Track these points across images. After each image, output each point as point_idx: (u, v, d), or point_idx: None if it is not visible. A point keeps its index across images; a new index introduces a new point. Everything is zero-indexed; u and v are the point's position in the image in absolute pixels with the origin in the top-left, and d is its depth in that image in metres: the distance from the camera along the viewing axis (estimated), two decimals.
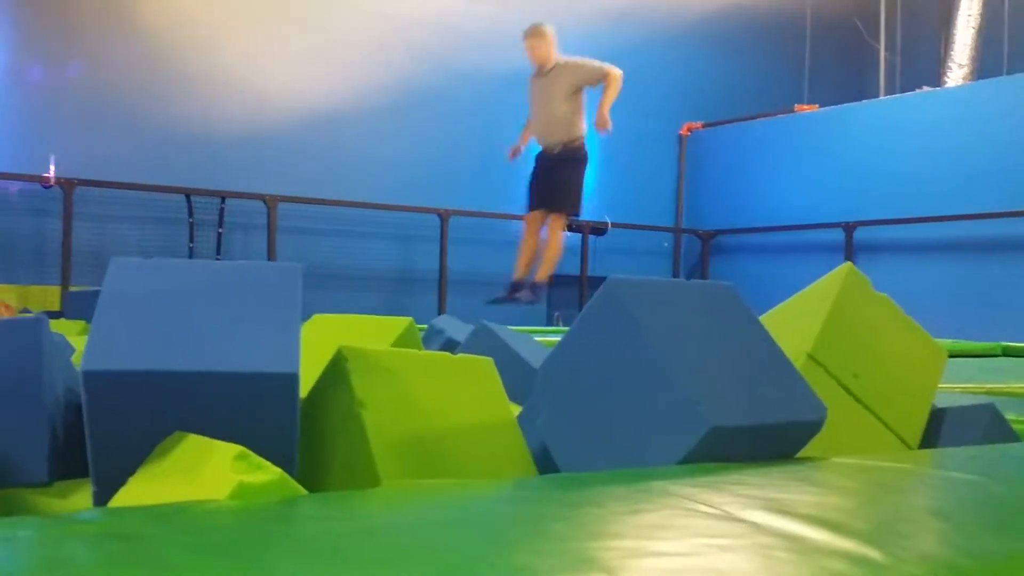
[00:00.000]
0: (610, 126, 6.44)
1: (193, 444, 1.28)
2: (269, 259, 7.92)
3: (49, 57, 7.79)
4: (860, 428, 1.82)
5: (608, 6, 10.49)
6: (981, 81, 10.15)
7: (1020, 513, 1.13)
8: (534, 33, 6.71)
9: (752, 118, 10.93)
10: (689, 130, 11.39)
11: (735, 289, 1.71)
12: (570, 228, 9.94)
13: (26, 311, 5.38)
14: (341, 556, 0.89)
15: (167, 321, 1.38)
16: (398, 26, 9.23)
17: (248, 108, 8.45)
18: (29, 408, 1.50)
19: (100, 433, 1.31)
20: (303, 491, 1.19)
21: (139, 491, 1.25)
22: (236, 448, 1.19)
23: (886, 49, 11.53)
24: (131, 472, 1.29)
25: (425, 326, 3.43)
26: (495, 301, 6.93)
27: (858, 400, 1.85)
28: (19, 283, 7.57)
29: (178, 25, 8.29)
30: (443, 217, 9.10)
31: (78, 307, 5.27)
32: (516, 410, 1.83)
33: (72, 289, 6.87)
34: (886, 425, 1.87)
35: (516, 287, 6.90)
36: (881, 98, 10.61)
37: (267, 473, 1.17)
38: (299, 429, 1.39)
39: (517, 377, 2.10)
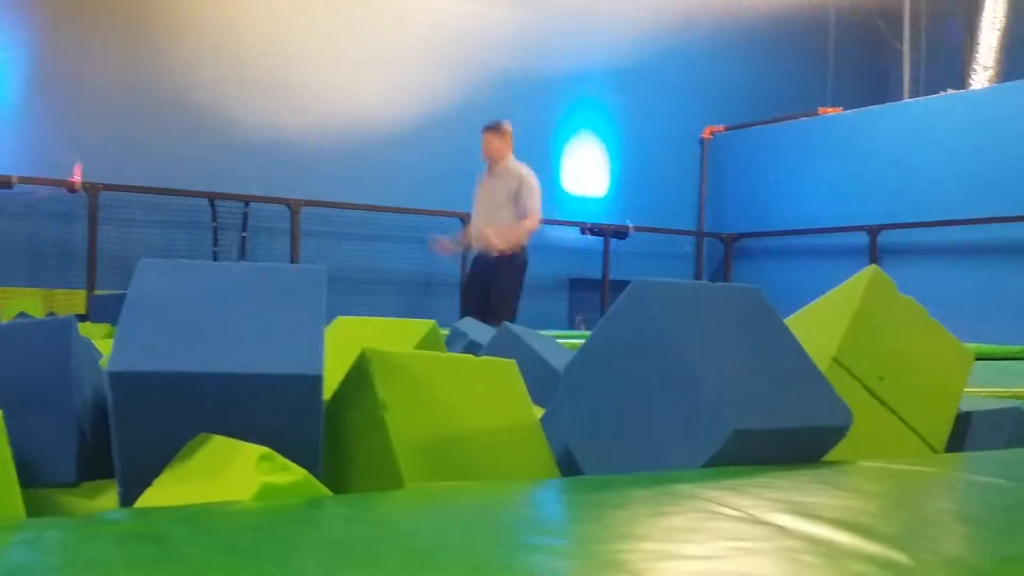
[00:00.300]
0: (494, 244, 6.18)
1: (218, 445, 1.28)
2: (292, 263, 7.96)
3: (75, 64, 7.87)
4: (885, 431, 1.81)
5: (631, 11, 10.48)
6: (1006, 83, 10.06)
7: None
8: (492, 128, 6.59)
9: (775, 121, 10.89)
10: (711, 133, 11.36)
11: (760, 292, 1.70)
12: (592, 232, 9.93)
13: (52, 315, 5.43)
14: (365, 557, 0.89)
15: (193, 322, 1.39)
16: (421, 32, 9.26)
17: (272, 114, 8.50)
18: (57, 409, 1.51)
19: (126, 434, 1.32)
20: (327, 492, 1.20)
21: (165, 492, 1.26)
22: (261, 449, 1.20)
23: (910, 51, 11.45)
24: (157, 473, 1.30)
25: (447, 330, 3.43)
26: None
27: (883, 403, 1.83)
28: (45, 287, 7.64)
29: (203, 33, 8.35)
30: (464, 220, 9.12)
31: (103, 310, 5.32)
32: (539, 412, 1.83)
33: (97, 293, 6.93)
34: (912, 428, 1.86)
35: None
36: (905, 100, 10.53)
37: (292, 474, 1.17)
38: (323, 430, 1.39)
39: (540, 379, 2.10)
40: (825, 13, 11.49)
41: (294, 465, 1.19)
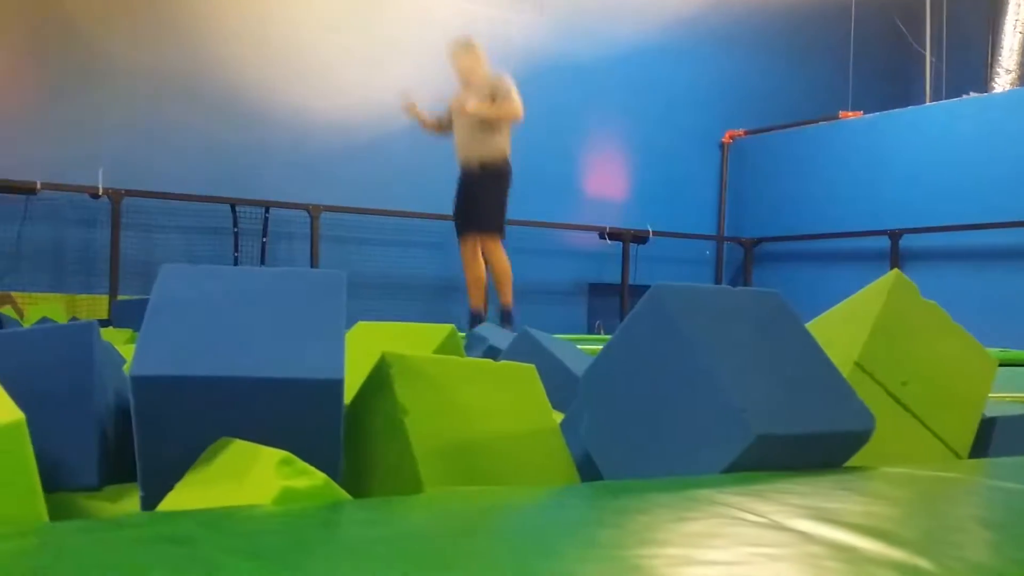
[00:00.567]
0: (468, 107, 6.11)
1: (239, 449, 1.29)
2: (312, 267, 7.99)
3: (98, 71, 7.94)
4: (908, 437, 1.80)
5: (651, 14, 10.47)
6: None
7: None
8: (459, 45, 6.52)
9: (795, 125, 10.84)
10: (731, 137, 11.33)
11: (781, 296, 1.69)
12: (611, 236, 9.92)
13: (74, 319, 5.48)
14: (385, 561, 0.89)
15: (215, 327, 1.39)
16: (438, 37, 9.28)
17: (292, 120, 8.54)
18: (80, 413, 1.52)
19: (148, 438, 1.33)
20: (347, 496, 1.20)
21: (186, 496, 1.27)
22: (281, 453, 1.20)
23: (931, 55, 11.38)
24: (178, 477, 1.31)
25: (466, 334, 3.43)
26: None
27: (906, 409, 1.82)
28: (68, 292, 7.70)
29: (224, 39, 8.40)
30: None
31: (125, 316, 5.36)
32: (559, 417, 1.83)
33: (120, 298, 6.98)
34: (935, 434, 1.84)
35: (476, 319, 6.65)
36: (927, 104, 10.47)
37: (312, 478, 1.17)
38: (343, 435, 1.40)
39: (559, 384, 2.10)
40: (846, 17, 11.44)
41: (314, 469, 1.19)
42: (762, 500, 1.10)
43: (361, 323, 2.68)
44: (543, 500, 1.25)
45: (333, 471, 1.27)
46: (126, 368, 1.82)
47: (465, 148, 6.34)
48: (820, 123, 10.66)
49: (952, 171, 9.25)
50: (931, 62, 11.41)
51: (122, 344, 3.36)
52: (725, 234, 11.25)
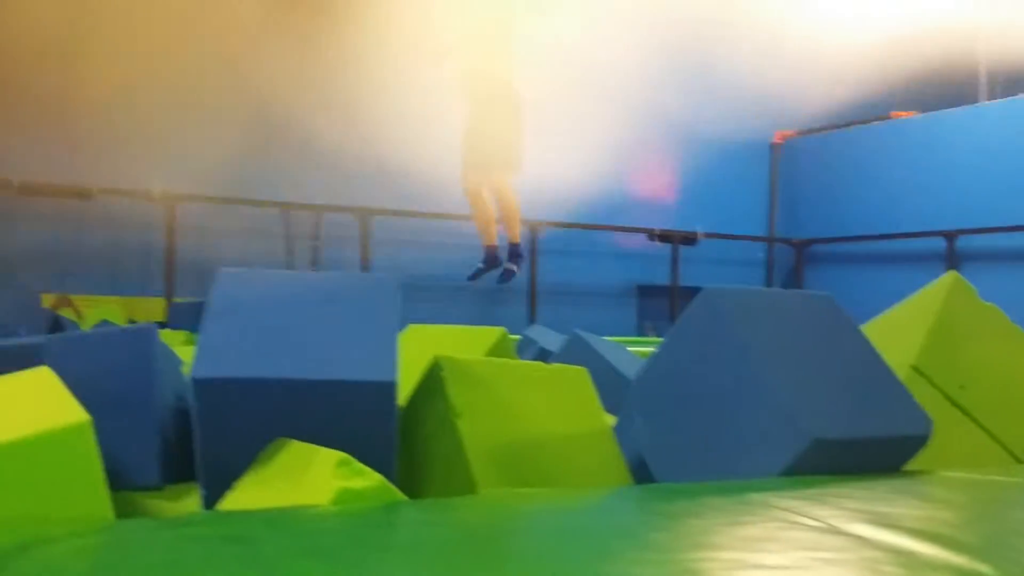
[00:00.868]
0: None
1: (297, 450, 1.31)
2: (363, 271, 8.06)
3: (153, 79, 8.08)
4: (967, 441, 1.77)
5: (698, 12, 10.40)
6: None
7: None
8: None
9: (847, 125, 10.70)
10: (782, 138, 11.21)
11: (834, 299, 1.67)
12: (660, 238, 9.87)
13: (132, 322, 5.58)
14: (441, 561, 0.90)
15: (272, 330, 1.42)
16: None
17: (343, 123, 8.61)
18: (142, 414, 1.56)
19: (208, 438, 1.36)
20: (403, 497, 1.21)
21: (245, 495, 1.29)
22: (338, 454, 1.22)
23: (987, 52, 11.16)
24: (237, 476, 1.33)
25: (518, 336, 3.44)
26: (475, 276, 6.42)
27: (965, 412, 1.79)
28: (125, 295, 7.85)
29: (279, 51, 8.50)
30: (532, 228, 9.13)
31: (181, 318, 5.44)
32: (611, 420, 1.83)
33: (175, 300, 7.09)
34: (994, 438, 1.81)
35: (491, 256, 6.38)
36: (982, 103, 10.27)
37: (368, 479, 1.19)
38: (397, 436, 1.41)
39: (610, 387, 2.09)
40: (900, 15, 11.25)
41: (370, 470, 1.21)
42: (818, 504, 1.09)
43: (413, 326, 2.70)
44: (596, 502, 1.25)
45: (388, 472, 1.28)
46: (184, 369, 1.86)
47: (469, 78, 6.07)
48: (872, 123, 10.50)
49: (1009, 170, 9.06)
50: (986, 60, 11.19)
51: (178, 346, 3.41)
52: (776, 235, 11.13)
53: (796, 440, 1.34)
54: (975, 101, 10.52)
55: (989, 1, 10.08)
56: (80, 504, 1.14)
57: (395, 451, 1.40)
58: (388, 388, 1.37)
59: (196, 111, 8.16)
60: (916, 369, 1.78)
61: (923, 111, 10.15)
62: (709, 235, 10.17)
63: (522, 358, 2.91)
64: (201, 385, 1.32)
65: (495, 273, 6.57)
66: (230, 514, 1.11)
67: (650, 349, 1.65)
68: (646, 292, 10.27)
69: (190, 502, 1.49)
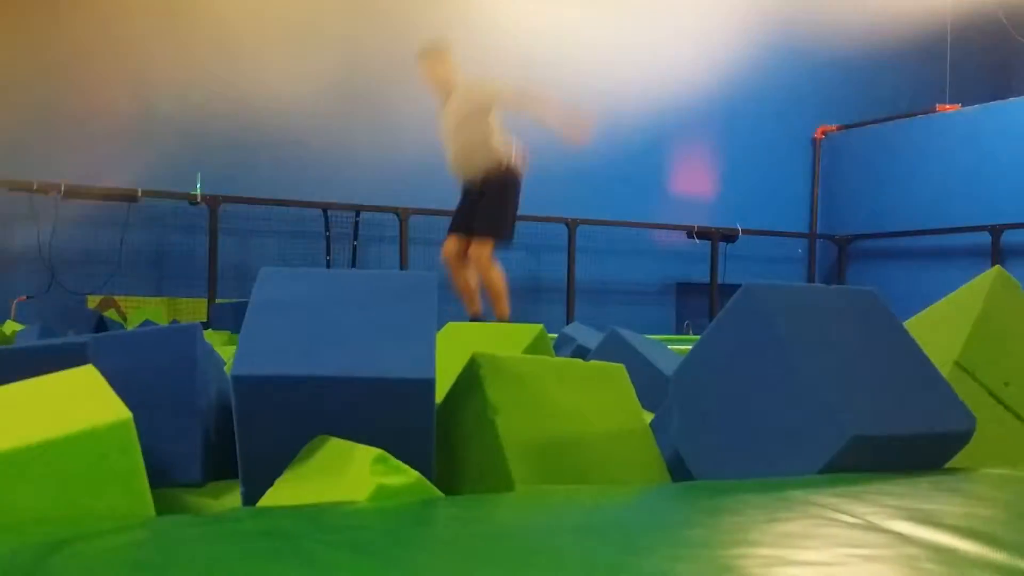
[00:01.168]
0: (583, 139, 5.40)
1: (335, 447, 1.32)
2: (402, 270, 8.11)
3: (196, 84, 8.18)
4: (1011, 438, 1.74)
5: (740, 8, 10.32)
6: None
7: None
8: (426, 54, 5.63)
9: (891, 119, 10.57)
10: (824, 132, 11.10)
11: (877, 294, 1.66)
12: (699, 235, 9.81)
13: (175, 322, 5.66)
14: (478, 557, 0.90)
15: (311, 328, 1.43)
16: (520, 42, 9.31)
17: (380, 125, 8.67)
18: (184, 411, 1.58)
19: (249, 435, 1.37)
20: (440, 494, 1.22)
21: (285, 492, 1.30)
22: (376, 451, 1.23)
23: None
24: (277, 473, 1.34)
25: (555, 335, 3.44)
26: None
27: (1009, 409, 1.76)
28: (169, 295, 7.96)
29: (316, 56, 8.58)
30: (570, 226, 9.12)
31: (223, 318, 5.52)
32: (649, 417, 1.82)
33: (218, 301, 7.18)
34: None
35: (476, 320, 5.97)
36: None
37: (405, 476, 1.20)
38: (435, 434, 1.42)
39: (649, 384, 2.09)
40: (943, 6, 11.09)
41: (407, 467, 1.21)
42: (858, 501, 1.08)
43: (451, 324, 2.71)
44: (634, 499, 1.25)
45: (426, 469, 1.29)
46: (226, 368, 1.88)
47: (462, 163, 5.64)
48: (916, 117, 10.37)
49: None
50: None
51: (220, 345, 3.47)
52: (818, 231, 11.02)
53: (836, 436, 1.33)
54: (1021, 94, 10.34)
55: None
56: (121, 501, 1.16)
57: (433, 448, 1.41)
58: (426, 385, 1.38)
59: (237, 112, 8.26)
60: (959, 365, 1.75)
61: (968, 104, 10.00)
62: (749, 232, 10.08)
63: (560, 355, 2.91)
64: (241, 383, 1.34)
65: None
66: (268, 509, 1.12)
67: (689, 347, 1.64)
68: (685, 290, 10.22)
69: (230, 499, 1.51)
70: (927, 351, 1.57)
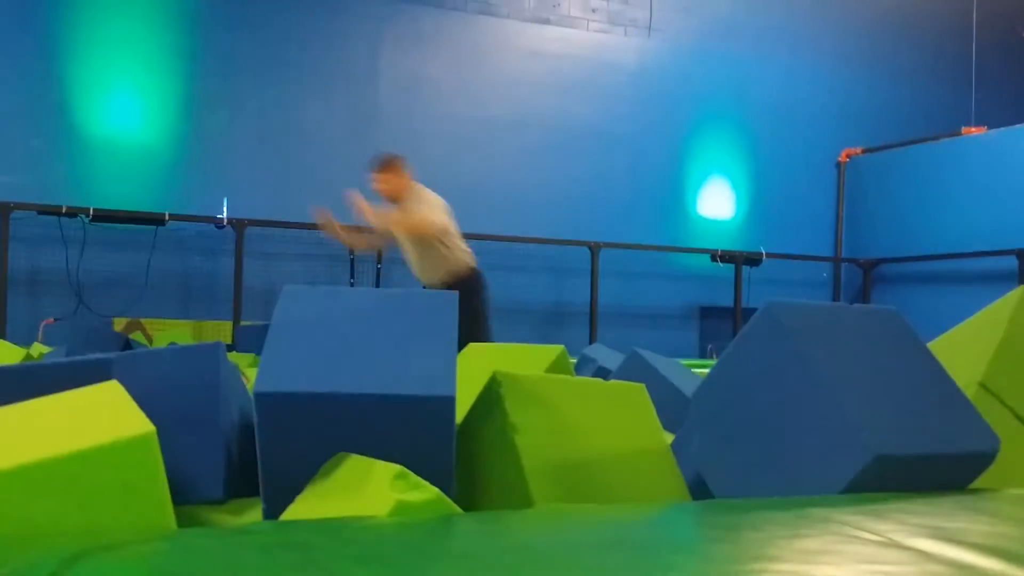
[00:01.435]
0: (361, 210, 5.11)
1: (356, 464, 1.33)
2: None
3: (224, 107, 8.28)
4: None
5: (763, 30, 10.33)
6: None
7: None
8: (379, 166, 5.42)
9: (916, 142, 10.51)
10: (848, 156, 11.05)
11: (900, 313, 1.65)
12: (723, 259, 9.78)
13: None
14: (497, 572, 0.90)
15: (334, 345, 1.44)
16: (546, 60, 9.37)
17: (400, 147, 8.72)
18: (207, 429, 1.59)
19: (270, 451, 1.38)
20: (459, 510, 1.22)
21: (305, 508, 1.31)
22: (396, 468, 1.23)
23: None
24: (298, 489, 1.35)
25: (575, 359, 3.44)
26: None
27: None
28: (194, 318, 8.02)
29: (336, 88, 8.66)
30: (593, 249, 9.12)
31: (248, 341, 5.54)
32: (669, 438, 1.82)
33: (242, 323, 7.22)
34: None
35: None
36: None
37: (425, 492, 1.20)
38: (456, 451, 1.42)
39: (669, 404, 2.08)
40: (968, 28, 11.06)
41: (427, 484, 1.22)
42: (879, 519, 1.08)
43: (472, 344, 2.72)
44: (654, 516, 1.24)
45: (446, 486, 1.29)
46: (250, 387, 1.90)
47: (422, 272, 5.50)
48: (942, 140, 10.31)
49: None
50: None
51: (245, 367, 3.49)
52: (842, 255, 10.95)
53: (858, 456, 1.32)
54: None
55: None
56: (143, 514, 1.17)
57: (453, 466, 1.41)
58: (447, 403, 1.39)
59: (263, 137, 8.35)
60: (983, 386, 1.73)
61: (994, 127, 9.94)
62: (774, 255, 10.04)
63: (581, 376, 2.91)
64: (263, 399, 1.35)
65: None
66: (288, 523, 1.13)
67: None
68: (709, 313, 10.18)
69: (252, 516, 1.52)
70: (951, 372, 1.56)
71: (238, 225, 7.86)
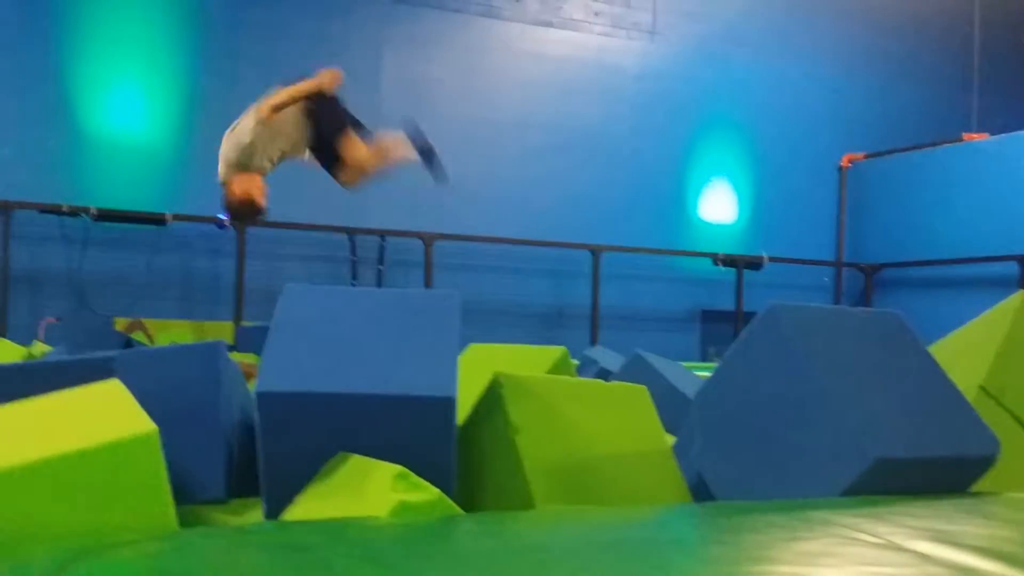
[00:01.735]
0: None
1: (357, 464, 1.33)
2: None
3: (225, 108, 8.28)
4: None
5: (766, 36, 10.34)
6: None
7: None
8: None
9: (917, 148, 10.51)
10: (850, 161, 11.05)
11: (901, 317, 1.65)
12: (724, 263, 9.78)
13: None
14: (498, 573, 0.90)
15: (335, 345, 1.44)
16: (549, 63, 9.37)
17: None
18: (208, 428, 1.59)
19: (271, 451, 1.38)
20: (460, 511, 1.22)
21: (307, 508, 1.31)
22: (397, 468, 1.23)
23: None
24: (299, 489, 1.35)
25: (577, 362, 3.43)
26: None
27: None
28: (195, 318, 8.01)
29: (343, 86, 8.66)
30: (595, 252, 9.12)
31: (249, 341, 5.53)
32: (671, 440, 1.82)
33: (243, 324, 7.21)
34: None
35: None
36: None
37: (426, 493, 1.20)
38: (457, 451, 1.42)
39: (671, 406, 2.08)
40: (970, 34, 11.06)
41: (428, 484, 1.22)
42: (879, 521, 1.08)
43: (474, 345, 2.72)
44: (653, 518, 1.24)
45: (446, 486, 1.29)
46: (250, 386, 1.90)
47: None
48: (943, 145, 10.31)
49: None
50: None
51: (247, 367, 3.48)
52: (844, 260, 10.95)
53: (859, 459, 1.32)
54: None
55: None
56: (145, 513, 1.17)
57: (454, 466, 1.42)
58: (448, 404, 1.39)
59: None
60: (984, 389, 1.74)
61: (995, 133, 9.94)
62: (775, 259, 10.04)
63: (582, 377, 2.91)
64: (265, 399, 1.35)
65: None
66: (289, 523, 1.13)
67: None
68: (710, 317, 10.17)
69: (253, 515, 1.52)
70: (952, 375, 1.56)
71: (240, 226, 7.86)
